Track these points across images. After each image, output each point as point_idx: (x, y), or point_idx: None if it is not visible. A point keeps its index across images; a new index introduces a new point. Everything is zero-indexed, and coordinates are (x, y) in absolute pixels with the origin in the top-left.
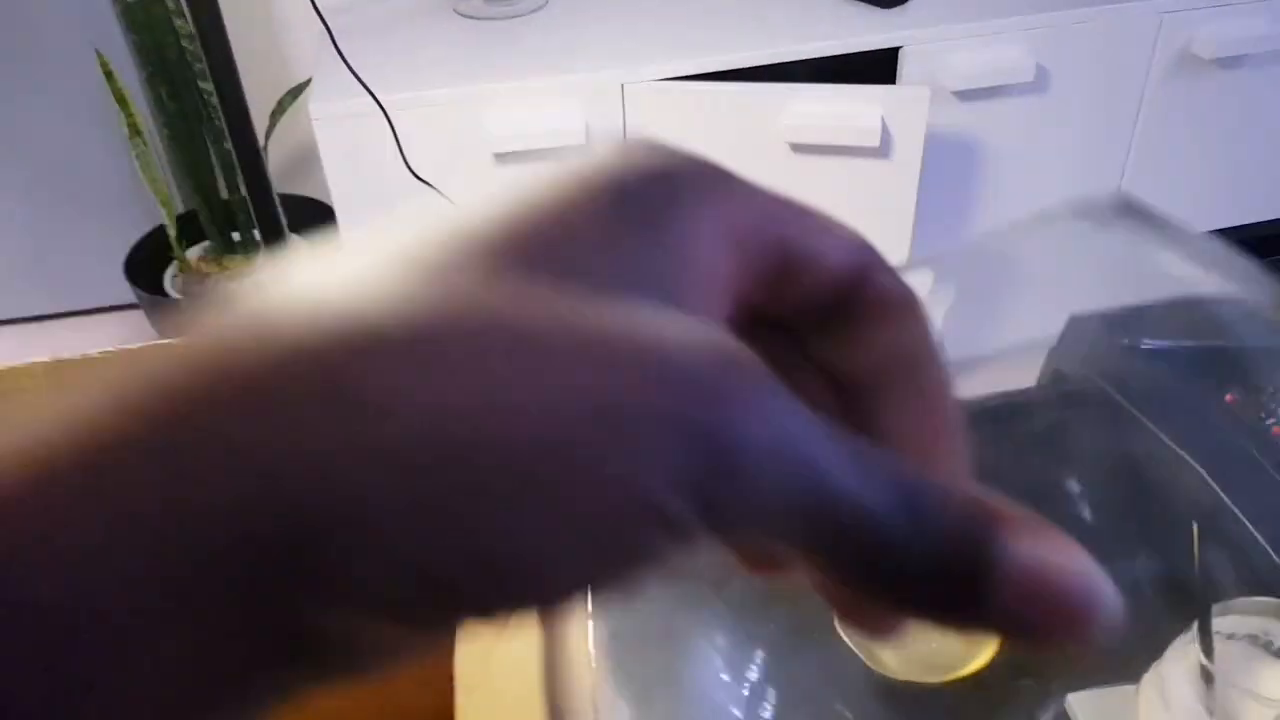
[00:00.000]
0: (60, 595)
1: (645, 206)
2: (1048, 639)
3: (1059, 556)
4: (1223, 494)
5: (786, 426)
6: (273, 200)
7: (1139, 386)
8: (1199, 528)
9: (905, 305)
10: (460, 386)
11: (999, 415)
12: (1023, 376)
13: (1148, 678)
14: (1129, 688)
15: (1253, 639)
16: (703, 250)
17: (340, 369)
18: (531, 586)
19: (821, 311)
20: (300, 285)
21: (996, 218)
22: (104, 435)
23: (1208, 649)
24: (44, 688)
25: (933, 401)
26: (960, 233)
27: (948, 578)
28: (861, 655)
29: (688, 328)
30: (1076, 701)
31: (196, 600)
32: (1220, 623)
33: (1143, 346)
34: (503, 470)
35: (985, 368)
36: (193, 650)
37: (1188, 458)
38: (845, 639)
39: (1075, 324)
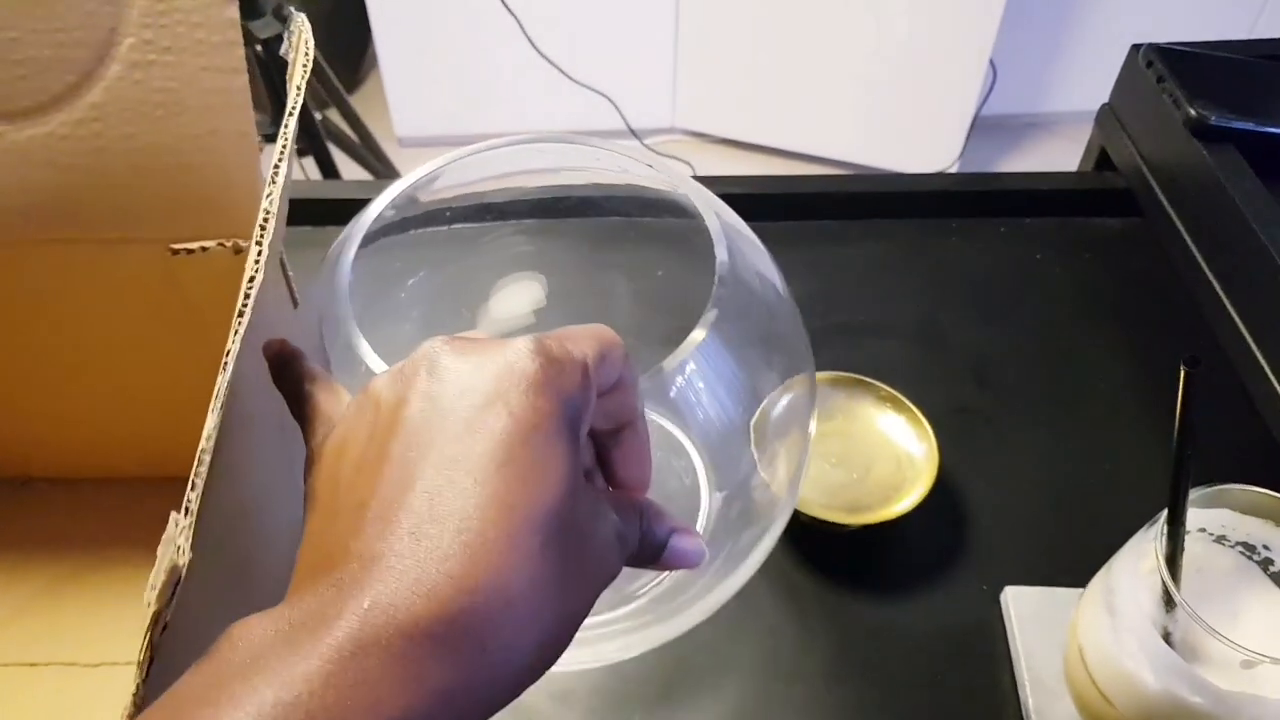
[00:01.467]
0: None
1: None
2: (676, 568)
3: (688, 539)
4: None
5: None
6: None
7: None
8: (1191, 367)
9: (626, 387)
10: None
11: None
12: None
13: (1098, 575)
14: (1070, 590)
15: (1247, 550)
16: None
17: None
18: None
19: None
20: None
21: None
22: None
23: (1173, 553)
24: None
25: (639, 444)
26: None
27: (652, 552)
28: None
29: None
30: (1012, 595)
31: None
32: (1200, 517)
33: None
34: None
35: None
36: None
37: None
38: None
39: None
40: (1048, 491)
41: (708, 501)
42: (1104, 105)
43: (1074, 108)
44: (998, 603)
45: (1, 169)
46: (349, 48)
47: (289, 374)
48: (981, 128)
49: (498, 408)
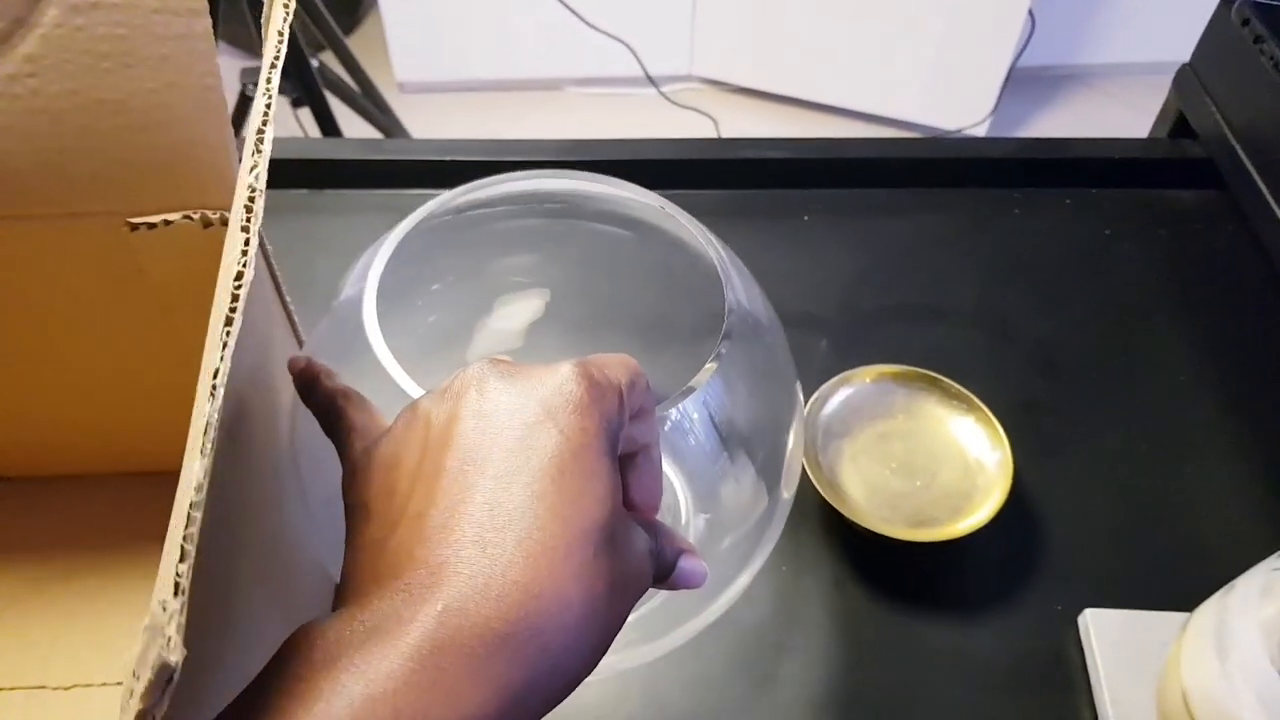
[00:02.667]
0: None
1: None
2: (684, 588)
3: (694, 560)
4: None
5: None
6: None
7: None
8: None
9: (647, 414)
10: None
11: None
12: None
13: (1205, 607)
14: (1159, 615)
15: None
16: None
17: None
18: None
19: None
20: None
21: None
22: None
23: None
24: None
25: (653, 468)
26: None
27: (664, 572)
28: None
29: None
30: (1093, 618)
31: None
32: None
33: None
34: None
35: None
36: None
37: None
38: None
39: None
40: (1126, 500)
41: (691, 522)
42: (1184, 66)
43: (1114, 59)
44: (1074, 626)
45: None
46: None
47: (319, 391)
48: (1014, 80)
49: (548, 427)
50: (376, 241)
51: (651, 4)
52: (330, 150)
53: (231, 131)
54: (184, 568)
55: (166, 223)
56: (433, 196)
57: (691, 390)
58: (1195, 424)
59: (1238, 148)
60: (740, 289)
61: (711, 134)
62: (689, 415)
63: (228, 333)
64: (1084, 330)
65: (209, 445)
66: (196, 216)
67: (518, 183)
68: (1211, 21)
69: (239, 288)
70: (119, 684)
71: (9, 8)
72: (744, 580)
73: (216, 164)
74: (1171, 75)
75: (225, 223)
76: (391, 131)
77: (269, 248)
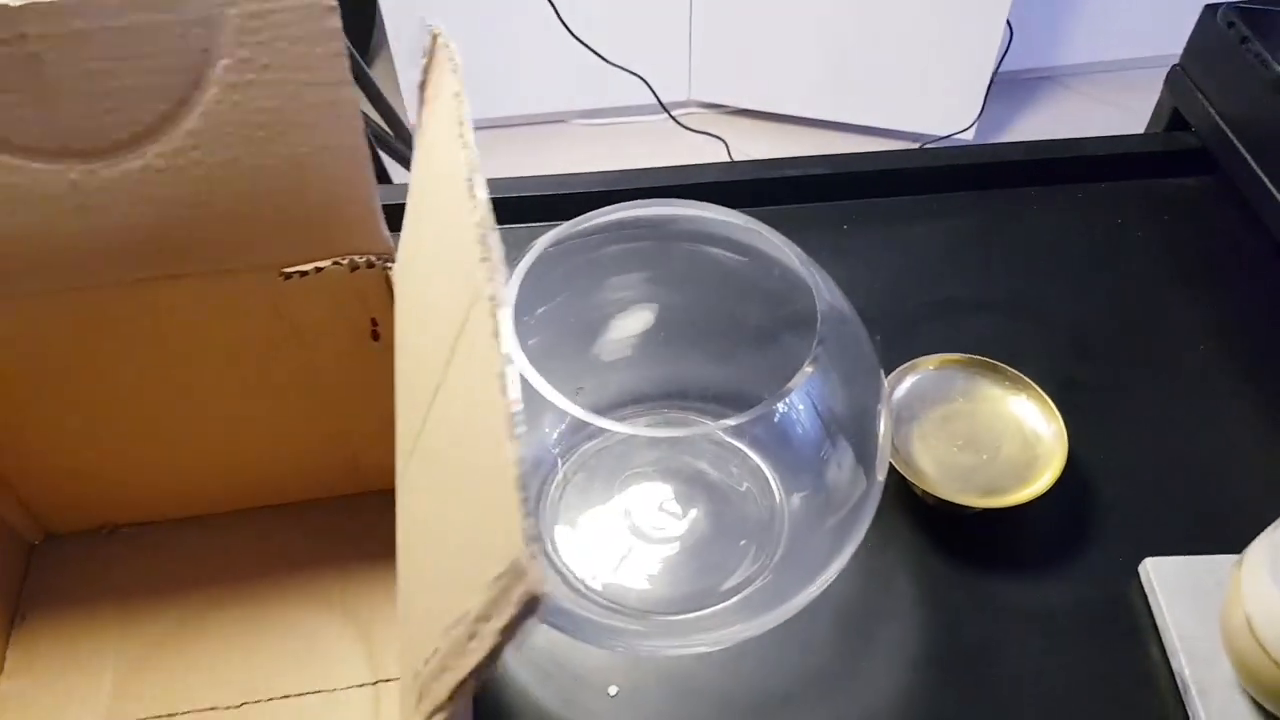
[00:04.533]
0: None
1: None
2: None
3: None
4: None
5: None
6: None
7: None
8: None
9: None
10: None
11: None
12: None
13: (1256, 545)
14: (1212, 558)
15: None
16: None
17: None
18: None
19: None
20: None
21: None
22: None
23: None
24: None
25: None
26: None
27: None
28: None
29: None
30: (1153, 566)
31: None
32: None
33: None
34: None
35: None
36: None
37: None
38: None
39: None
40: (1168, 461)
41: (785, 503)
42: (1175, 66)
43: (1085, 59)
44: (1135, 576)
45: (96, 209)
46: (352, 24)
47: None
48: (995, 85)
49: None
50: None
51: (650, 34)
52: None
53: (375, 182)
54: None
55: (318, 270)
56: (504, 230)
57: (794, 387)
58: (1219, 391)
59: (1231, 136)
60: (826, 291)
61: (723, 156)
62: (795, 407)
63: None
64: (1109, 313)
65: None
66: (345, 262)
67: (621, 212)
68: (1198, 25)
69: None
70: (285, 697)
71: (174, 90)
72: (845, 556)
73: (361, 213)
74: (1141, 71)
75: (370, 265)
76: None
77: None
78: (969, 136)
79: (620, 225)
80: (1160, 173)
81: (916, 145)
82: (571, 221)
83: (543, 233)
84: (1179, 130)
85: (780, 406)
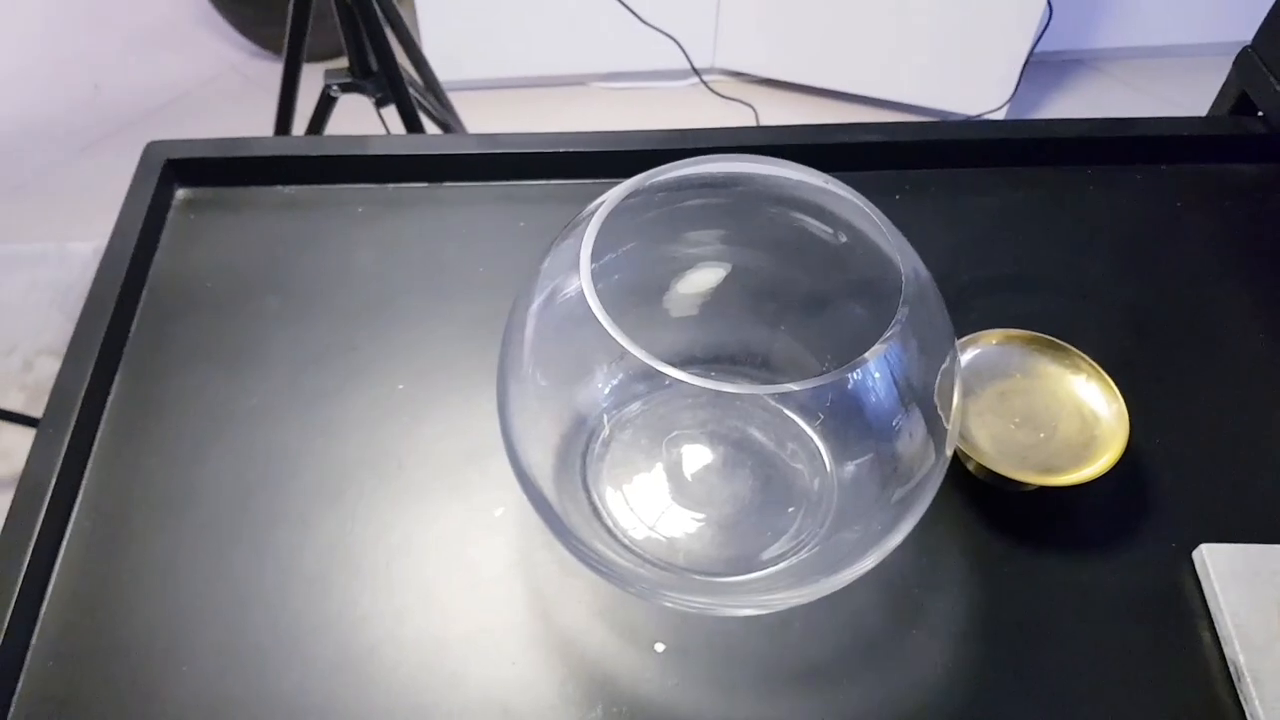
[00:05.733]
0: None
1: None
2: None
3: None
4: None
5: None
6: None
7: None
8: None
9: None
10: None
11: None
12: None
13: None
14: (1272, 547)
15: None
16: None
17: None
18: None
19: None
20: None
21: None
22: None
23: None
24: None
25: None
26: None
27: None
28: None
29: None
30: (1208, 553)
31: None
32: None
33: None
34: None
35: None
36: None
37: None
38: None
39: None
40: (1224, 447)
41: (835, 473)
42: (1245, 48)
43: (1123, 44)
44: (1189, 562)
45: None
46: None
47: None
48: (1029, 66)
49: None
50: (572, 223)
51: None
52: (450, 146)
53: None
54: None
55: None
56: (544, 187)
57: (877, 353)
58: (1277, 378)
59: None
60: (911, 256)
61: (751, 123)
62: (872, 374)
63: None
64: (1165, 296)
65: None
66: None
67: (696, 167)
68: (1275, 6)
69: None
70: None
71: None
72: (905, 530)
73: None
74: (1177, 59)
75: None
76: (449, 127)
77: None
78: (1000, 117)
79: (691, 182)
80: (1223, 157)
81: None
82: (641, 176)
83: (592, 190)
84: (1245, 114)
85: (855, 375)
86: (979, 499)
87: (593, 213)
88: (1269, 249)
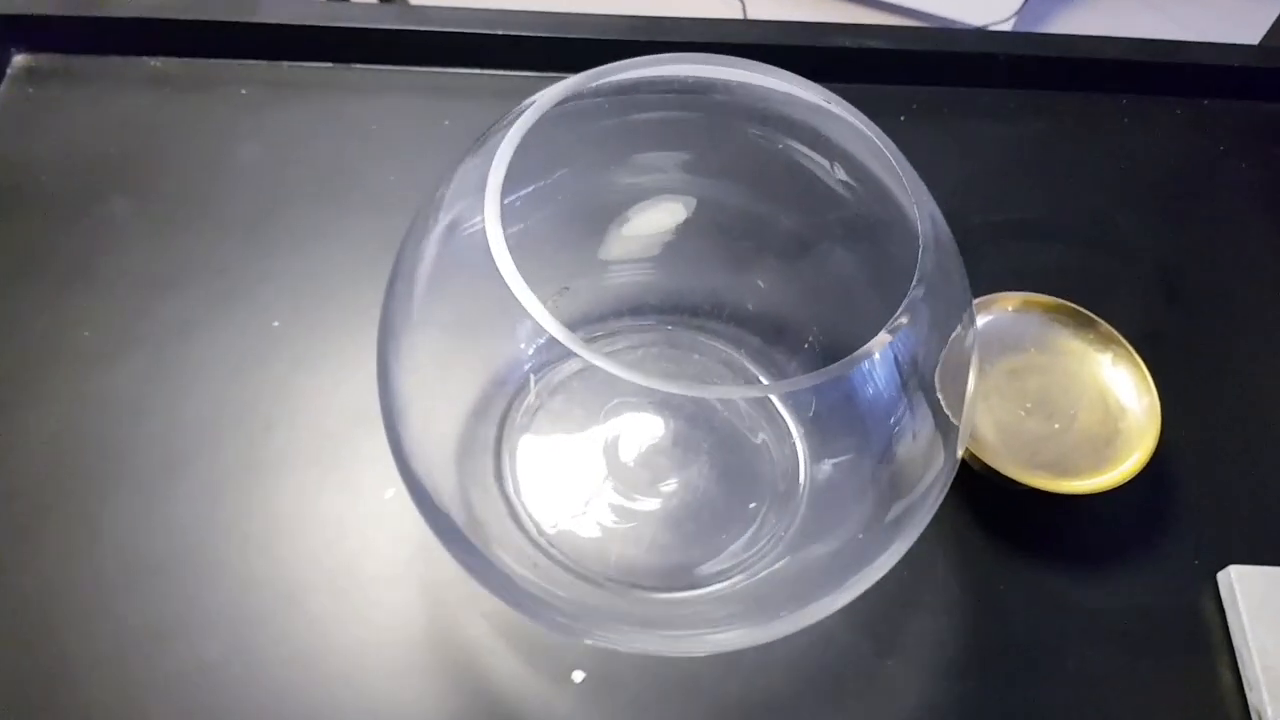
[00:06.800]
0: None
1: None
2: None
3: None
4: None
5: None
6: None
7: None
8: None
9: None
10: None
11: None
12: None
13: None
14: None
15: None
16: None
17: None
18: None
19: None
20: None
21: None
22: None
23: None
24: None
25: None
26: None
27: None
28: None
29: None
30: (1237, 576)
31: None
32: None
33: None
34: None
35: None
36: None
37: None
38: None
39: None
40: (1269, 445)
41: (809, 473)
42: None
43: None
44: (1213, 581)
45: None
46: None
47: None
48: None
49: None
50: (488, 131)
51: None
52: (361, 17)
53: None
54: None
55: None
56: (478, 78)
57: (882, 343)
58: None
59: None
60: (930, 210)
61: (738, 15)
62: (875, 367)
63: None
64: (1203, 253)
65: None
66: None
67: (657, 67)
68: None
69: None
70: None
71: None
72: (898, 552)
73: None
74: None
75: None
76: None
77: None
78: (1006, 29)
79: (651, 85)
80: (1274, 95)
81: None
82: (584, 75)
83: (538, 86)
84: None
85: (854, 370)
86: (973, 497)
87: (513, 121)
88: None
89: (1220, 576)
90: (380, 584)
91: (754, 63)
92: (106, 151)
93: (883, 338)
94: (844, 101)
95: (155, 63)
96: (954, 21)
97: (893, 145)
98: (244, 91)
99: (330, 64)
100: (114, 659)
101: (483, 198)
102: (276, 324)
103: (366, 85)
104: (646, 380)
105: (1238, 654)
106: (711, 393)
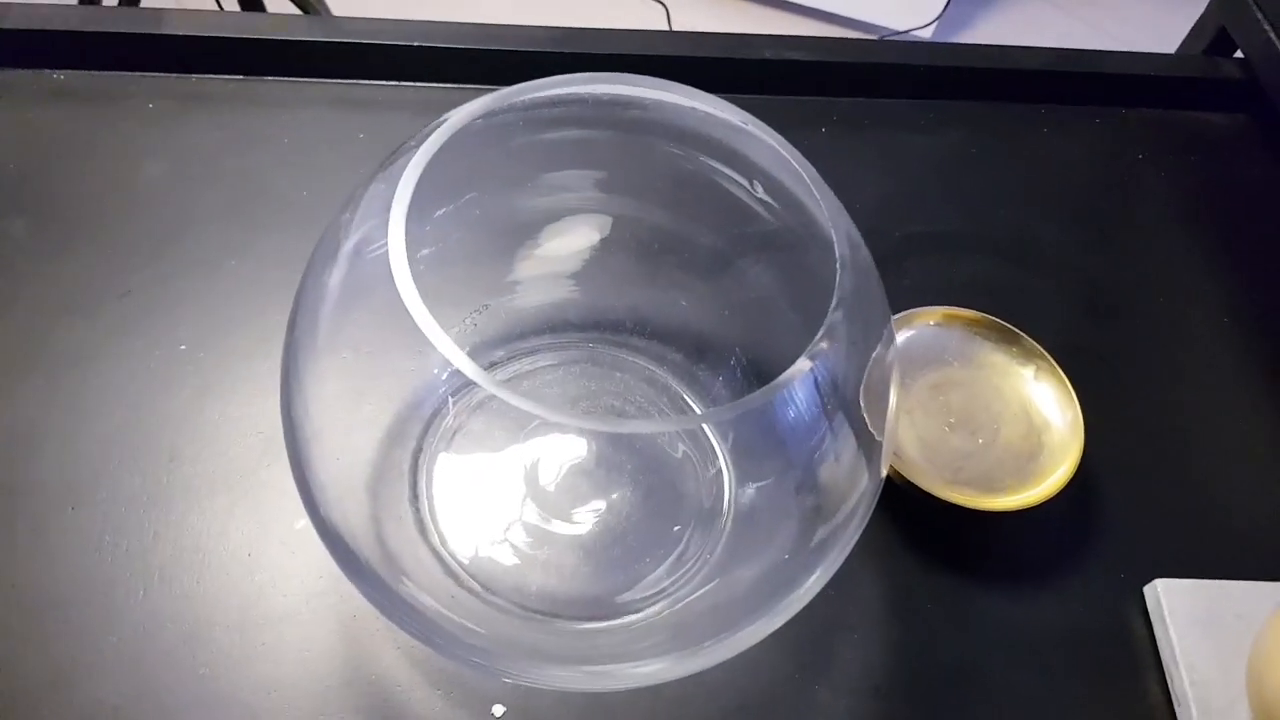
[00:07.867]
0: None
1: None
2: None
3: None
4: None
5: None
6: None
7: None
8: None
9: None
10: None
11: None
12: None
13: None
14: (1241, 584)
15: None
16: None
17: None
18: None
19: None
20: None
21: None
22: None
23: None
24: None
25: None
26: None
27: None
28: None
29: None
30: (1164, 590)
31: None
32: None
33: None
34: None
35: None
36: None
37: None
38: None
39: None
40: (1190, 457)
41: (734, 498)
42: None
43: None
44: (1140, 595)
45: None
46: None
47: None
48: None
49: None
50: (389, 158)
51: None
52: (273, 29)
53: None
54: None
55: None
56: (394, 90)
57: (800, 371)
58: (1256, 372)
59: None
60: (845, 228)
61: (663, 26)
62: (795, 393)
63: None
64: (1124, 264)
65: None
66: None
67: (575, 86)
68: None
69: None
70: None
71: None
72: (823, 578)
73: None
74: None
75: None
76: (312, 7)
77: None
78: (927, 35)
79: (568, 103)
80: (1194, 103)
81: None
82: (499, 93)
83: (456, 99)
84: (1220, 55)
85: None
86: (899, 514)
87: (420, 142)
88: (1241, 216)
89: (1147, 590)
90: (291, 619)
91: (671, 83)
92: (3, 168)
93: (803, 364)
94: (760, 122)
95: (58, 75)
96: (878, 27)
97: (810, 167)
98: (151, 105)
99: (242, 76)
100: (5, 711)
101: (388, 220)
102: (183, 347)
103: (279, 98)
104: (554, 415)
105: (1166, 670)
106: (626, 427)
